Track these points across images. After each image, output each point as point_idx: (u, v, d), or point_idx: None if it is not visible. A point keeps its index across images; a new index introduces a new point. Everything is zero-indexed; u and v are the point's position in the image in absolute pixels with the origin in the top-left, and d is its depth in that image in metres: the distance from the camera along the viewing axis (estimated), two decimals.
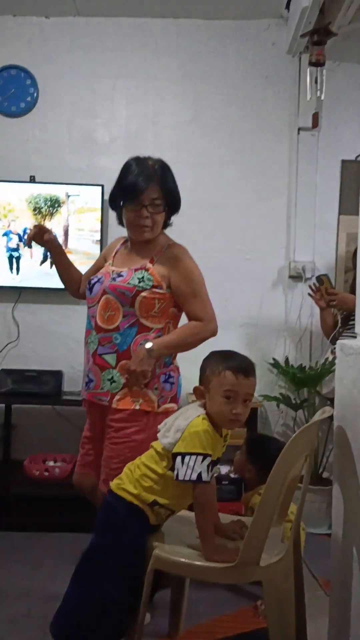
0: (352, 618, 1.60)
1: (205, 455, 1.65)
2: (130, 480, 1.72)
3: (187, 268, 2.08)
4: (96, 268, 2.25)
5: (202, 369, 1.80)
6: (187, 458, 1.63)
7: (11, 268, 3.40)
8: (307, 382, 3.22)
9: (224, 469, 3.13)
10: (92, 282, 2.12)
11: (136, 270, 2.06)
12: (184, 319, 2.17)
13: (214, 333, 2.09)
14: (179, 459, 1.64)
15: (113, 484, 1.77)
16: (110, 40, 3.45)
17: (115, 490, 1.74)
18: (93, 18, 3.44)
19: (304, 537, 2.44)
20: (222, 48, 3.45)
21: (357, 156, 3.36)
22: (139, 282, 2.03)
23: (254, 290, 3.49)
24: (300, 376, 3.23)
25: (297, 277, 3.46)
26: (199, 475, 1.62)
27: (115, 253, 2.20)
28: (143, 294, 2.02)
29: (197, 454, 1.63)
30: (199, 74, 3.46)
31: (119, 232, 2.34)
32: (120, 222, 2.16)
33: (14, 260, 3.40)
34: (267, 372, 3.46)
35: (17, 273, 3.40)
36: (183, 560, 1.62)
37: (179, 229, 3.44)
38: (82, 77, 3.47)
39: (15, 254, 3.40)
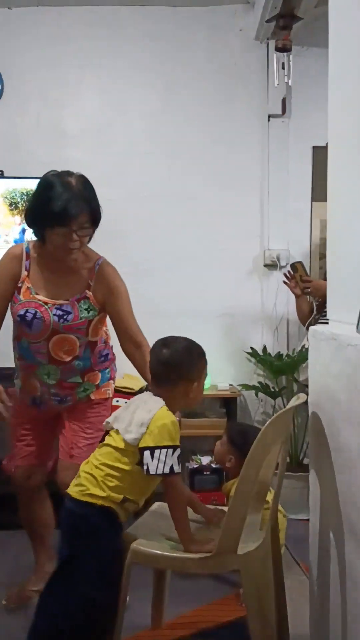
0: (332, 602, 1.61)
1: (175, 447, 1.65)
2: (95, 484, 1.66)
3: (122, 291, 2.15)
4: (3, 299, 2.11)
5: (182, 364, 1.77)
6: (157, 452, 1.62)
7: None
8: (285, 369, 3.23)
9: (205, 460, 3.14)
10: (27, 317, 2.04)
11: (77, 300, 2.08)
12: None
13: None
14: (147, 453, 1.63)
15: (75, 491, 1.69)
16: (75, 29, 3.40)
17: (81, 498, 1.67)
18: (57, 7, 3.38)
19: (285, 524, 2.46)
20: (189, 35, 3.42)
21: (328, 143, 3.36)
22: (87, 312, 2.09)
23: (229, 280, 3.49)
24: (278, 364, 3.24)
25: (272, 266, 3.46)
26: (171, 467, 1.62)
27: (28, 274, 2.08)
28: (93, 322, 2.12)
29: (168, 447, 1.63)
30: (168, 62, 3.43)
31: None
32: (40, 239, 2.04)
33: None
34: (245, 361, 3.47)
35: None
36: (161, 552, 1.62)
37: (153, 220, 3.46)
38: (49, 67, 3.42)
39: None
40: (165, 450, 1.62)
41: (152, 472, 1.62)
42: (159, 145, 3.44)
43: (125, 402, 1.89)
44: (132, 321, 2.16)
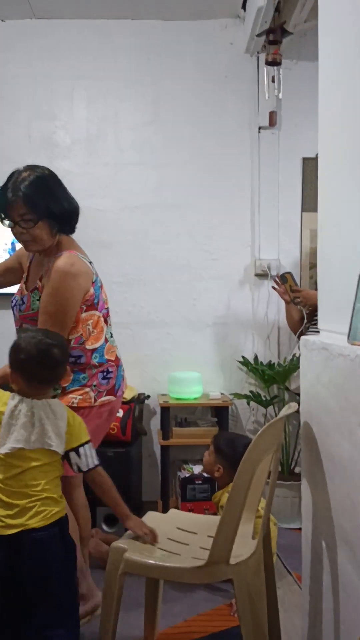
0: (324, 612, 1.62)
1: (88, 440, 1.76)
2: (48, 504, 1.64)
3: (51, 286, 1.98)
4: (5, 268, 2.30)
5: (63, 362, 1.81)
6: (81, 449, 1.72)
7: None
8: (276, 378, 3.24)
9: (196, 469, 3.14)
10: (12, 303, 2.21)
11: (32, 291, 2.11)
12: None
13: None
14: (73, 454, 1.71)
15: (35, 521, 1.63)
16: (67, 41, 3.43)
17: (48, 522, 1.64)
18: (49, 20, 3.41)
19: (276, 532, 2.46)
20: (180, 48, 3.46)
21: (317, 154, 3.40)
22: (38, 303, 2.07)
23: (221, 289, 3.51)
24: (270, 373, 3.25)
25: (263, 275, 3.49)
26: (95, 458, 1.75)
27: (30, 263, 2.21)
28: None
29: (86, 442, 1.74)
30: (158, 74, 3.46)
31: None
32: None
33: None
34: (236, 369, 3.49)
35: None
36: (153, 562, 1.62)
37: (144, 230, 3.48)
38: (40, 79, 3.44)
39: None
40: (85, 445, 1.73)
41: (83, 469, 1.72)
42: (149, 156, 3.46)
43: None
44: (42, 318, 1.99)
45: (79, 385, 2.09)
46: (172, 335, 3.49)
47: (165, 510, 2.06)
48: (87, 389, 2.09)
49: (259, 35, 3.05)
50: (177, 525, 1.93)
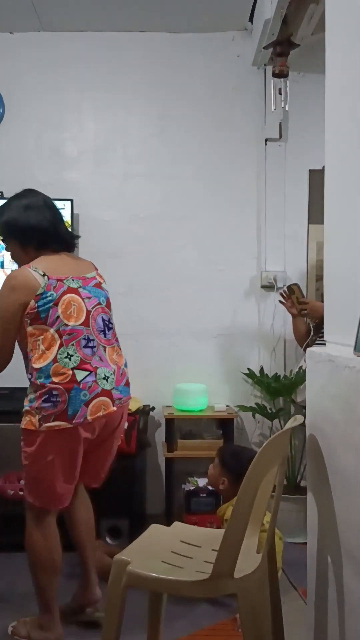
0: (329, 628, 1.59)
1: None
2: None
3: None
4: None
5: None
6: None
7: None
8: (282, 391, 3.22)
9: (201, 482, 3.12)
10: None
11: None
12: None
13: None
14: None
15: None
16: (75, 54, 3.46)
17: None
18: (57, 33, 3.44)
19: (282, 547, 2.44)
20: (188, 61, 3.48)
21: (324, 166, 3.40)
22: None
23: (227, 301, 3.50)
24: (275, 385, 3.23)
25: (269, 287, 3.48)
26: None
27: None
28: None
29: None
30: (166, 86, 3.48)
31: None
32: None
33: None
34: (242, 382, 3.47)
35: None
36: (156, 575, 1.59)
37: (151, 241, 3.48)
38: (49, 91, 3.47)
39: None
40: None
41: None
42: (156, 168, 3.48)
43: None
44: None
45: (28, 406, 2.10)
46: (178, 346, 3.48)
47: (169, 523, 2.03)
48: (32, 412, 2.07)
49: (266, 48, 3.07)
50: (181, 538, 1.90)
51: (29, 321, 2.07)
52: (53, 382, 2.04)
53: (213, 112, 3.49)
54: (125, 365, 2.27)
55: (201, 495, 3.06)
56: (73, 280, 2.14)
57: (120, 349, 2.28)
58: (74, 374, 2.06)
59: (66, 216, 3.33)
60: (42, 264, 2.12)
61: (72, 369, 2.06)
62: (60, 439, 2.06)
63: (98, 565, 2.60)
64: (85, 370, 2.08)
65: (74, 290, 2.12)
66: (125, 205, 3.48)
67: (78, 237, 2.33)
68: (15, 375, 3.39)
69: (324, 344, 1.81)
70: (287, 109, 3.18)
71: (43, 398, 2.05)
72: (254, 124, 3.48)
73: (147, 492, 3.36)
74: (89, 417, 2.07)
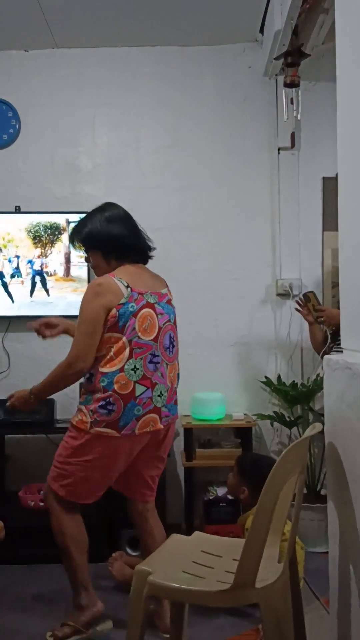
0: (353, 637, 1.57)
1: None
2: None
3: (82, 299, 2.18)
4: None
5: None
6: None
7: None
8: (300, 399, 3.21)
9: (221, 491, 3.11)
10: None
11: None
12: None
13: (75, 371, 2.15)
14: None
15: None
16: (88, 70, 3.51)
17: None
18: (71, 49, 3.50)
19: (303, 556, 2.42)
20: (199, 73, 3.52)
21: (337, 173, 3.40)
22: None
23: (243, 309, 3.51)
24: (293, 393, 3.22)
25: (284, 295, 3.48)
26: None
27: None
28: None
29: None
30: (178, 99, 3.52)
31: None
32: None
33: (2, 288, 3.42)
34: (260, 390, 3.46)
35: (12, 301, 3.42)
36: (178, 585, 1.60)
37: (166, 252, 3.50)
38: (63, 107, 3.52)
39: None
40: None
41: None
42: (170, 179, 3.50)
43: None
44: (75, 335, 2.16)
45: (83, 405, 2.17)
46: (194, 355, 3.48)
47: (189, 533, 2.04)
48: (86, 412, 2.15)
49: (277, 59, 3.09)
50: (201, 548, 1.90)
51: (107, 328, 2.14)
52: (114, 390, 2.11)
53: (225, 122, 3.51)
54: (177, 381, 2.35)
55: (221, 504, 3.06)
56: (151, 295, 2.22)
57: (179, 368, 2.36)
58: (134, 388, 2.13)
59: None
60: (125, 275, 2.19)
61: (135, 382, 2.13)
62: (105, 445, 2.13)
63: (119, 576, 2.61)
64: (145, 385, 2.15)
65: (151, 306, 2.20)
66: (140, 217, 3.45)
67: (154, 248, 2.39)
68: None
69: (341, 351, 1.80)
70: (299, 118, 3.20)
71: (100, 403, 2.12)
72: (266, 133, 3.50)
73: (167, 502, 3.36)
74: (136, 431, 2.14)
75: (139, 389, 2.14)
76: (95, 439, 2.13)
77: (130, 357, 2.13)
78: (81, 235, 2.29)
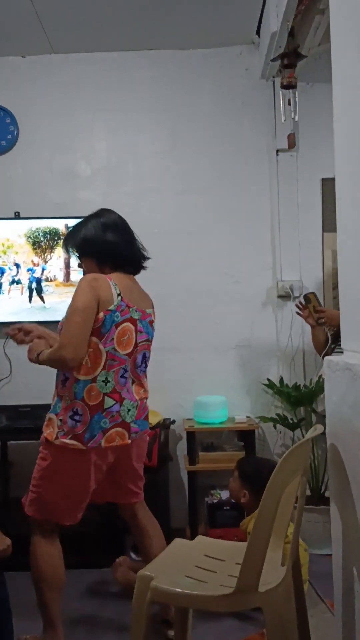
0: None
1: None
2: None
3: (75, 290, 2.09)
4: None
5: None
6: None
7: None
8: (303, 400, 3.20)
9: (224, 494, 3.10)
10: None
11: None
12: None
13: (63, 360, 2.03)
14: None
15: None
16: (85, 75, 3.52)
17: None
18: (68, 55, 3.50)
19: (307, 558, 2.41)
20: (196, 76, 3.52)
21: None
22: None
23: (244, 312, 3.50)
24: (296, 395, 3.21)
25: (285, 297, 3.47)
26: None
27: None
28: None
29: None
30: (176, 103, 3.52)
31: None
32: None
33: None
34: (262, 392, 3.46)
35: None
36: (181, 590, 1.59)
37: (166, 256, 3.50)
38: (61, 112, 3.53)
39: None
40: None
41: None
42: (169, 183, 3.50)
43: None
44: (64, 324, 2.07)
45: (53, 413, 2.11)
46: (196, 359, 3.48)
47: (193, 537, 2.03)
48: (55, 421, 2.09)
49: (273, 60, 3.09)
50: (204, 552, 1.90)
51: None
52: (82, 399, 2.06)
53: (223, 125, 3.51)
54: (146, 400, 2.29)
55: (225, 508, 3.05)
56: (136, 311, 2.17)
57: (147, 384, 2.29)
58: (103, 400, 2.08)
59: None
60: (119, 283, 2.14)
61: (104, 394, 2.09)
62: (72, 458, 2.08)
63: (123, 581, 2.60)
64: (113, 399, 2.11)
65: (134, 321, 2.15)
66: (139, 222, 3.44)
67: (148, 258, 2.32)
68: (36, 393, 3.45)
69: (342, 352, 1.80)
70: (297, 119, 3.20)
71: (69, 413, 2.07)
72: (264, 135, 3.50)
73: (170, 506, 3.36)
74: (102, 444, 2.08)
75: (108, 402, 2.09)
76: (61, 453, 2.07)
77: (104, 367, 2.08)
78: (75, 241, 2.23)
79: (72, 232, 2.26)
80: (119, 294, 2.11)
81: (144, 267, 2.32)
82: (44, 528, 2.16)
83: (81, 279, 2.12)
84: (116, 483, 2.28)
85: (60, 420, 2.08)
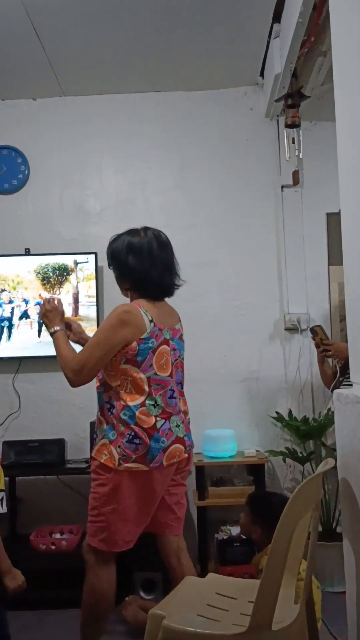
0: None
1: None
2: None
3: (106, 320, 2.14)
4: None
5: None
6: None
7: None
8: (312, 434, 3.18)
9: (235, 530, 3.06)
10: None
11: None
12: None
13: (67, 379, 2.13)
14: None
15: None
16: (95, 115, 3.62)
17: None
18: (77, 97, 3.62)
19: (320, 596, 2.36)
20: (203, 115, 3.61)
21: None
22: None
23: (251, 345, 3.51)
24: (305, 428, 3.20)
25: (293, 329, 3.49)
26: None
27: None
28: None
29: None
30: (183, 141, 3.61)
31: (113, 295, 2.41)
32: None
33: (5, 330, 3.45)
34: (271, 426, 3.44)
35: (8, 340, 3.43)
36: (193, 629, 1.57)
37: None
38: (71, 151, 3.62)
39: (6, 324, 3.44)
40: None
41: None
42: (177, 218, 3.56)
43: None
44: (87, 348, 2.12)
45: (107, 440, 2.10)
46: (204, 391, 3.48)
47: (204, 574, 2.00)
48: (113, 448, 2.08)
49: (277, 101, 3.17)
50: (216, 590, 1.87)
51: (123, 359, 2.10)
52: (137, 424, 2.08)
53: (229, 162, 3.59)
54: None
55: (235, 544, 3.00)
56: (167, 331, 2.19)
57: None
58: (156, 422, 2.11)
59: (90, 269, 3.44)
60: (150, 309, 2.15)
61: (155, 416, 2.11)
62: (137, 481, 2.07)
63: (132, 621, 2.55)
64: (163, 418, 2.14)
65: (167, 342, 2.17)
66: None
67: (178, 285, 2.30)
68: (45, 428, 3.44)
69: (351, 385, 1.80)
70: (301, 156, 3.26)
71: (126, 438, 2.07)
72: (269, 172, 3.57)
73: None
74: (164, 462, 2.10)
75: (159, 422, 2.12)
76: (125, 478, 2.06)
77: (149, 393, 2.11)
78: (109, 249, 2.25)
79: (112, 240, 2.27)
80: (151, 321, 2.12)
81: (171, 293, 2.29)
82: (104, 556, 2.14)
83: (115, 309, 2.12)
84: (159, 510, 2.22)
85: (119, 446, 2.07)
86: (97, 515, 2.11)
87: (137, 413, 2.08)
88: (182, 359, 2.30)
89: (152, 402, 2.11)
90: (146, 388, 2.10)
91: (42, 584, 2.89)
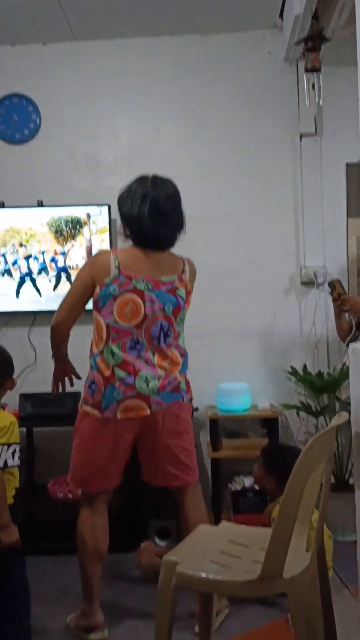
0: None
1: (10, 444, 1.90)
2: None
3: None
4: None
5: None
6: None
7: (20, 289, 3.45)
8: (326, 388, 3.19)
9: (248, 481, 3.11)
10: None
11: None
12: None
13: (51, 326, 2.28)
14: None
15: None
16: (107, 62, 3.50)
17: None
18: (89, 41, 3.49)
19: (332, 545, 2.41)
20: (219, 61, 3.48)
21: None
22: None
23: (267, 299, 3.48)
24: (319, 383, 3.20)
25: (309, 283, 3.45)
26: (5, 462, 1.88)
27: None
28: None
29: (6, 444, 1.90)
30: (198, 88, 3.49)
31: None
32: None
33: (29, 283, 3.45)
34: (285, 380, 3.44)
35: (40, 295, 3.46)
36: (206, 575, 1.60)
37: (189, 243, 3.46)
38: (83, 100, 3.53)
39: (27, 279, 3.45)
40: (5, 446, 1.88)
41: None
42: (192, 170, 3.48)
43: None
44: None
45: (84, 383, 2.25)
46: (219, 346, 3.48)
47: (217, 523, 2.04)
48: (83, 389, 2.25)
49: (297, 44, 3.04)
50: (229, 538, 1.91)
51: (94, 305, 2.20)
52: (98, 371, 2.16)
53: (247, 110, 3.47)
54: (182, 372, 2.26)
55: (248, 494, 3.05)
56: (143, 281, 2.15)
57: (179, 356, 2.26)
58: (113, 372, 2.13)
59: (103, 221, 3.40)
60: (123, 255, 2.19)
61: (113, 366, 2.14)
62: (92, 425, 2.18)
63: (147, 566, 2.63)
64: (126, 371, 2.13)
65: (139, 292, 2.14)
66: None
67: (175, 239, 2.31)
68: None
69: None
70: (321, 103, 3.15)
71: (88, 382, 2.21)
72: (288, 120, 3.46)
73: None
74: (118, 415, 2.13)
75: (119, 373, 2.13)
76: (85, 418, 2.20)
77: (107, 341, 2.14)
78: (119, 194, 2.28)
79: (124, 187, 2.29)
80: (117, 267, 2.13)
81: (168, 245, 2.28)
82: (86, 498, 2.25)
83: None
84: (153, 464, 2.27)
85: (84, 389, 2.22)
86: (72, 450, 2.27)
87: (97, 360, 2.16)
88: (170, 312, 2.20)
89: (109, 351, 2.13)
90: (104, 335, 2.14)
91: (58, 531, 2.98)
